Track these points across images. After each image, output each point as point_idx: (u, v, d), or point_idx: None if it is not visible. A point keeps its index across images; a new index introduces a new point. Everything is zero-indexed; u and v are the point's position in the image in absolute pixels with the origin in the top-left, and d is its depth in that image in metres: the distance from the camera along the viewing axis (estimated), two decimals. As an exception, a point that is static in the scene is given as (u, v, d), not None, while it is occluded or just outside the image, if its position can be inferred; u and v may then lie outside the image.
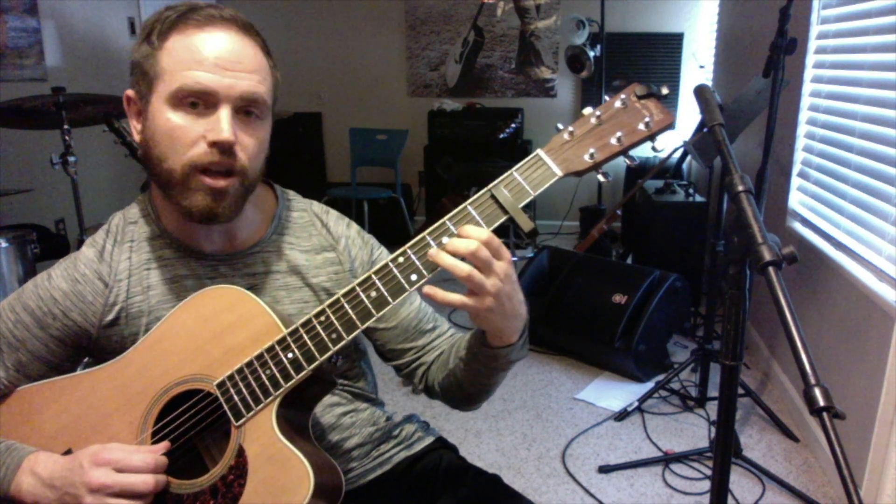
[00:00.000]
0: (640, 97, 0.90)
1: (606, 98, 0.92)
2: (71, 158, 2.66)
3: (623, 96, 0.90)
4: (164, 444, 0.94)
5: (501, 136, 5.00)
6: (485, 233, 0.86)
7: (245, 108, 0.94)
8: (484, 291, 0.87)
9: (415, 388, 1.18)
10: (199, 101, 0.91)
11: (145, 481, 0.88)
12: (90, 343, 1.04)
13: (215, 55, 0.91)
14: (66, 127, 2.64)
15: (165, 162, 0.93)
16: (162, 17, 0.94)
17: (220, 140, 0.91)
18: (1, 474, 0.93)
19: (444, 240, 0.87)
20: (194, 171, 0.92)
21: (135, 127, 0.99)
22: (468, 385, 1.05)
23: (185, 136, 0.92)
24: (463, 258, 0.86)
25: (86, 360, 1.08)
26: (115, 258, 1.04)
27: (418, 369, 1.15)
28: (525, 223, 0.88)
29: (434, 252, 0.86)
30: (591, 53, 4.70)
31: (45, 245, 2.64)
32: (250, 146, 0.95)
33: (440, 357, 1.13)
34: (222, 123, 0.91)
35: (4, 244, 2.45)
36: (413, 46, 5.47)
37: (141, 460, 0.89)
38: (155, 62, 0.93)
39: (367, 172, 5.11)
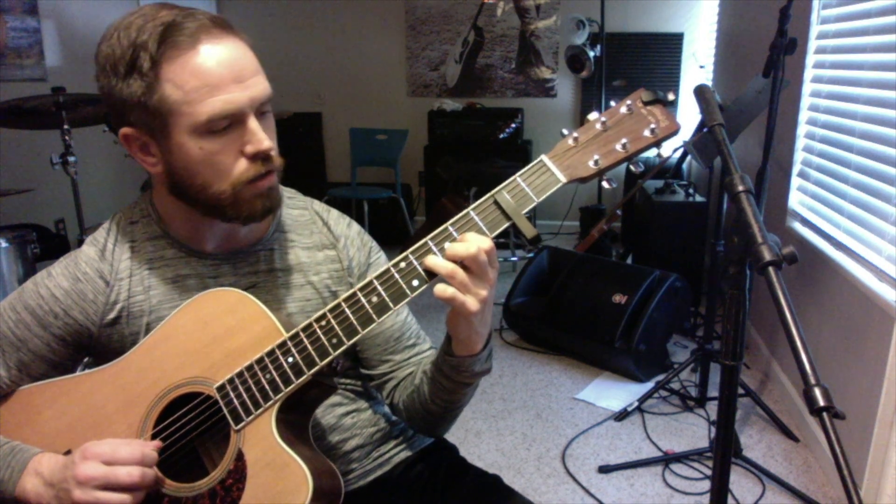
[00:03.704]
0: (645, 103, 0.89)
1: (612, 103, 0.91)
2: (71, 158, 2.67)
3: (629, 102, 0.89)
4: (155, 443, 0.93)
5: (501, 136, 5.00)
6: (486, 241, 0.87)
7: (261, 111, 0.95)
8: (472, 293, 0.88)
9: (382, 400, 1.18)
10: (230, 121, 0.91)
11: (129, 472, 0.88)
12: (90, 342, 1.04)
13: (226, 72, 0.89)
14: (66, 127, 2.64)
15: (211, 188, 0.93)
16: (137, 44, 0.87)
17: (263, 149, 0.92)
18: (6, 476, 0.93)
19: (446, 245, 0.87)
20: (243, 186, 0.94)
21: (144, 160, 0.96)
22: (430, 402, 1.05)
23: (226, 158, 0.92)
24: (462, 261, 0.87)
25: (86, 359, 1.08)
26: (116, 257, 1.04)
27: (388, 383, 1.14)
28: (528, 229, 0.88)
29: (429, 257, 0.87)
30: (591, 53, 4.70)
31: (45, 245, 2.64)
32: (274, 142, 0.97)
33: (409, 375, 1.12)
34: (258, 134, 0.92)
35: (4, 244, 2.45)
36: (413, 46, 5.47)
37: (128, 452, 0.89)
38: (161, 98, 0.88)
39: (367, 172, 5.11)
